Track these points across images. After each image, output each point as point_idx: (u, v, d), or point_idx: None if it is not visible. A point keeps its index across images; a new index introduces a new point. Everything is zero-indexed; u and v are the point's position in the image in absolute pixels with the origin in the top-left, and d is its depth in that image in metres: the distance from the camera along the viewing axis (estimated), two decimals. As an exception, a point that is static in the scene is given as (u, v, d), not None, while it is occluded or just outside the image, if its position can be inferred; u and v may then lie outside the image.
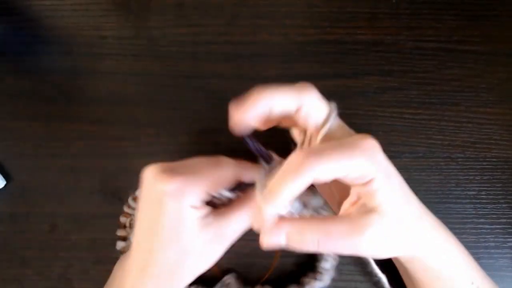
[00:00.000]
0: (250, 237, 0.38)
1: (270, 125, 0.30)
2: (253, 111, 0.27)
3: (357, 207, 0.27)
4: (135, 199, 0.37)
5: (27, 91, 0.41)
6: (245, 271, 0.38)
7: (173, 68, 0.41)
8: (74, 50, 0.42)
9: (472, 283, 0.30)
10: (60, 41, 0.43)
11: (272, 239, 0.26)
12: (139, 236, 0.30)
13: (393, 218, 0.26)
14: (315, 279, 0.35)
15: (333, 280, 0.37)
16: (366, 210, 0.26)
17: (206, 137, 0.40)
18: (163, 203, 0.28)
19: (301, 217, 0.28)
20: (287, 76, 0.41)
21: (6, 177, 0.39)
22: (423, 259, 0.29)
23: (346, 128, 0.30)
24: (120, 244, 0.37)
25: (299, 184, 0.23)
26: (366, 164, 0.24)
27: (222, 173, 0.29)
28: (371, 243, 0.26)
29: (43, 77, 0.42)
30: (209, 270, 0.37)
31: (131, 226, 0.37)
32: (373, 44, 0.41)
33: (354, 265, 0.37)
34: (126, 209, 0.38)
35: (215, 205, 0.30)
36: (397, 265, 0.35)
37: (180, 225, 0.28)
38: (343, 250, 0.26)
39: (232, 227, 0.30)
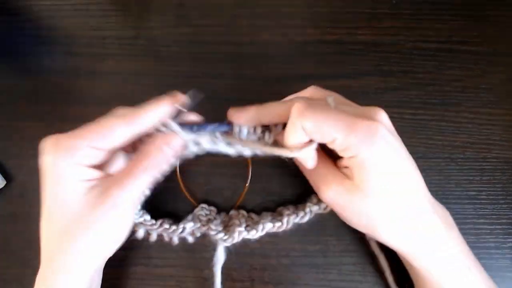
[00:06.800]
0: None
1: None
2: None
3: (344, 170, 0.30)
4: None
5: (27, 91, 0.41)
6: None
7: (173, 68, 0.41)
8: (74, 50, 0.42)
9: None
10: (60, 41, 0.43)
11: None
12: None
13: (358, 197, 0.28)
14: (296, 214, 0.35)
15: (333, 280, 0.37)
16: (341, 177, 0.29)
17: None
18: (44, 163, 0.27)
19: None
20: (287, 76, 0.41)
21: (6, 177, 0.39)
22: (415, 258, 0.30)
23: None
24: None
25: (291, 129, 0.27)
26: (353, 140, 0.26)
27: (107, 127, 0.27)
28: (329, 200, 0.29)
29: (43, 77, 0.42)
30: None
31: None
32: (373, 44, 0.41)
33: (354, 265, 0.37)
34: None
35: None
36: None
37: (60, 184, 0.26)
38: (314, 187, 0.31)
39: (121, 188, 0.27)
